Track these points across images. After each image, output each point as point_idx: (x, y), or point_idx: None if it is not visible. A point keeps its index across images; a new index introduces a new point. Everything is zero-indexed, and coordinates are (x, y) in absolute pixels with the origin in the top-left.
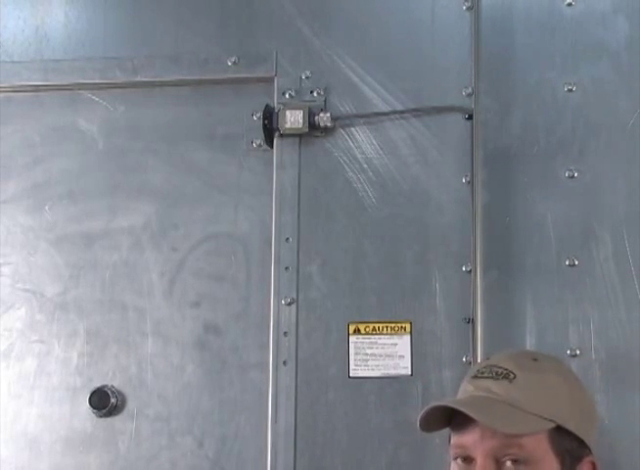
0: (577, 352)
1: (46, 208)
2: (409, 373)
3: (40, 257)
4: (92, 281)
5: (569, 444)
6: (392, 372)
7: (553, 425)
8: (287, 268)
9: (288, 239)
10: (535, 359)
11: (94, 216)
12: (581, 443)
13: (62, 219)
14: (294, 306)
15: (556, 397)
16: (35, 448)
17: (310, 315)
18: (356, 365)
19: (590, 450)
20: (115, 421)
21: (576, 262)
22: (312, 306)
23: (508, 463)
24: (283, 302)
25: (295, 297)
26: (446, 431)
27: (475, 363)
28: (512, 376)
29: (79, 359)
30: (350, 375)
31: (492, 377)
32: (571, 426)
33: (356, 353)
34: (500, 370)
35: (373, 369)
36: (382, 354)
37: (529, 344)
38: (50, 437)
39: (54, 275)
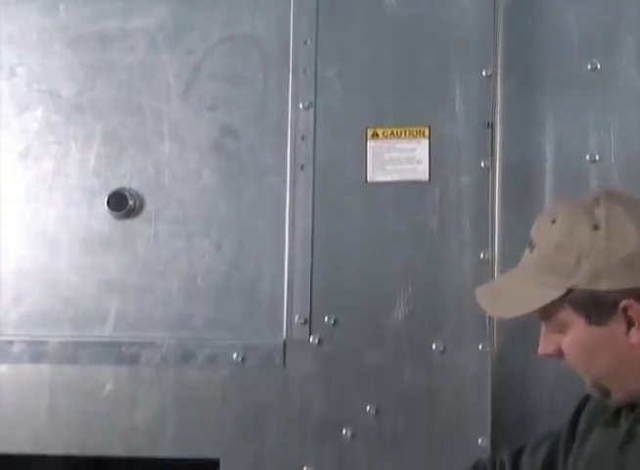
0: (597, 157)
1: (60, 7)
2: (427, 178)
3: (55, 57)
4: (108, 82)
5: (588, 300)
6: (410, 177)
7: (561, 292)
8: (304, 71)
9: (306, 41)
10: (553, 221)
11: (109, 17)
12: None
13: (76, 20)
14: (311, 110)
15: (560, 257)
16: (54, 248)
17: (328, 119)
18: (374, 170)
19: (630, 292)
20: (134, 223)
21: (599, 66)
22: (330, 110)
23: (550, 335)
24: (300, 105)
25: (312, 100)
26: None
27: (492, 169)
28: (533, 245)
29: (96, 161)
30: (368, 180)
31: (528, 246)
32: (582, 284)
33: (374, 158)
34: (531, 238)
35: (391, 174)
36: (400, 159)
37: (549, 150)
38: (68, 237)
39: (69, 76)
